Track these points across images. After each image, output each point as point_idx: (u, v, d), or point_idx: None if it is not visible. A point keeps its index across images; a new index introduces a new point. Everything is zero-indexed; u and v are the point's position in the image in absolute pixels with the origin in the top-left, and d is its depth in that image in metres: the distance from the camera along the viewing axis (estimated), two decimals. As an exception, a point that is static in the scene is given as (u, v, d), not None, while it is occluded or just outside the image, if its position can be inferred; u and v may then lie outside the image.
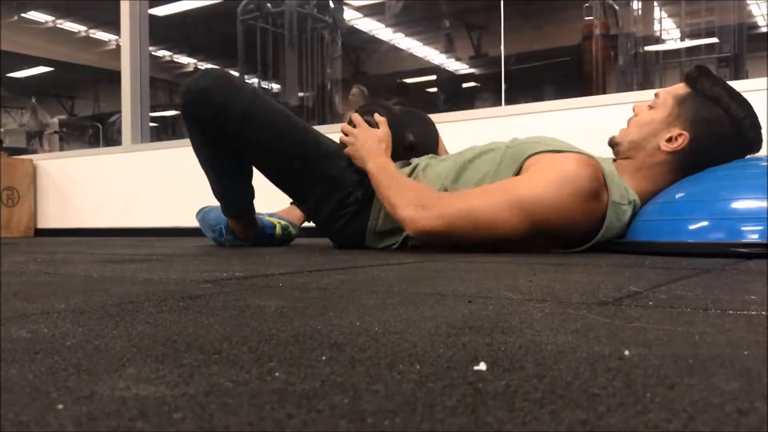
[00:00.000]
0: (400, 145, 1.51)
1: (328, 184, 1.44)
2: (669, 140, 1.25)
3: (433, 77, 7.39)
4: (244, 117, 1.38)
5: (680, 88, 1.29)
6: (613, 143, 1.33)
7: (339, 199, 1.44)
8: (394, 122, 1.49)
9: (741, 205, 1.13)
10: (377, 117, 1.47)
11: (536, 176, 1.19)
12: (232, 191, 1.56)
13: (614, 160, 1.32)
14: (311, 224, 2.00)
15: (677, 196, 1.22)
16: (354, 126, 1.46)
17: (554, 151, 1.24)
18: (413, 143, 1.56)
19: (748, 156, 1.27)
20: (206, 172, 1.54)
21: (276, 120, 1.43)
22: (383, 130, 1.44)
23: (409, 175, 1.42)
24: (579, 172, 1.16)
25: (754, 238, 1.08)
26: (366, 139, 1.41)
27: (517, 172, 1.25)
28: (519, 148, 1.29)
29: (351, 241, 1.49)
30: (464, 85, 7.25)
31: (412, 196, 1.25)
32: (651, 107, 1.30)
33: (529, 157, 1.25)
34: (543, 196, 1.16)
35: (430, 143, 1.61)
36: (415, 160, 1.49)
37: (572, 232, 1.21)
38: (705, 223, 1.14)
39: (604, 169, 1.21)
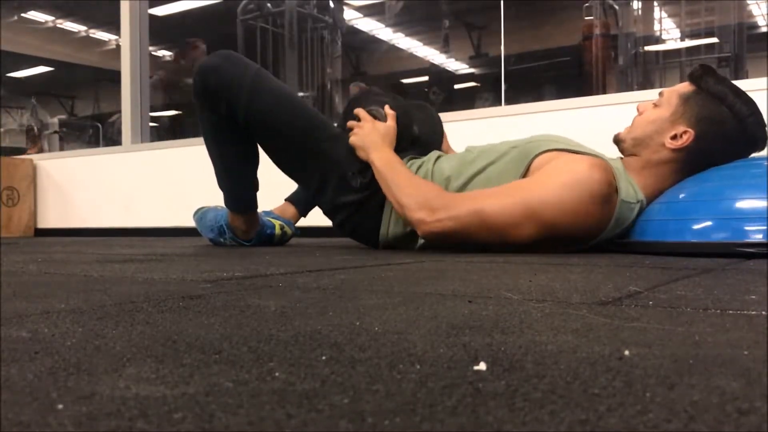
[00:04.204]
0: (405, 135, 1.48)
1: (331, 166, 1.45)
2: (674, 138, 1.25)
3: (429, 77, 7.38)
4: (252, 90, 1.41)
5: (685, 86, 1.29)
6: (617, 140, 1.34)
7: (340, 182, 1.44)
8: (400, 112, 1.48)
9: (745, 204, 1.13)
10: (387, 110, 1.46)
11: (548, 179, 1.19)
12: (239, 180, 1.56)
13: (621, 158, 1.33)
14: (308, 224, 2.00)
15: (681, 196, 1.22)
16: (359, 121, 1.46)
17: (566, 150, 1.24)
18: (418, 137, 1.53)
19: (752, 154, 1.28)
20: (213, 159, 1.55)
21: (282, 95, 1.46)
22: (389, 124, 1.44)
23: (416, 171, 1.41)
24: (592, 176, 1.16)
25: (758, 237, 1.08)
26: (370, 132, 1.41)
27: (526, 170, 1.25)
28: (528, 146, 1.29)
29: (365, 240, 1.50)
30: (464, 85, 7.24)
31: (421, 197, 1.24)
32: (656, 105, 1.31)
33: (538, 155, 1.25)
34: (555, 200, 1.16)
35: (434, 139, 1.59)
36: (421, 159, 1.47)
37: (580, 234, 1.21)
38: (709, 223, 1.14)
39: (615, 170, 1.21)
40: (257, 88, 1.42)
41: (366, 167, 1.41)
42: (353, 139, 1.42)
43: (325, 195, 1.47)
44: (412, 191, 1.27)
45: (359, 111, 1.47)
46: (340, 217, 1.48)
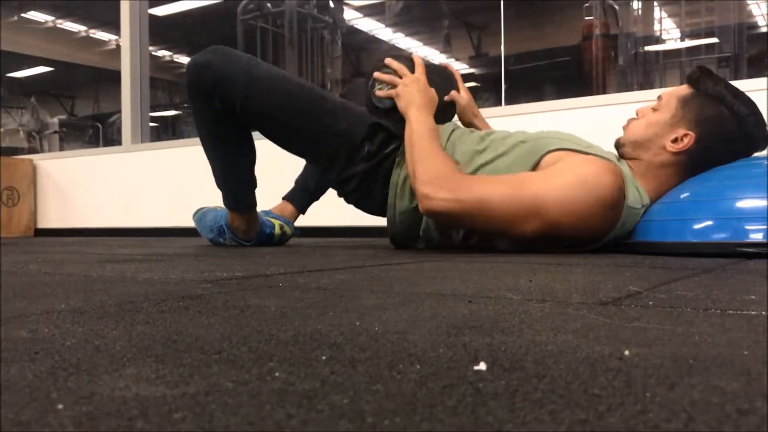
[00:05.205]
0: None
1: (337, 138, 1.44)
2: (675, 141, 1.25)
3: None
4: (247, 80, 1.40)
5: (683, 89, 1.29)
6: (618, 144, 1.33)
7: (348, 153, 1.44)
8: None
9: (745, 204, 1.13)
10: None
11: (558, 178, 1.17)
12: (238, 178, 1.56)
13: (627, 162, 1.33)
14: (308, 224, 2.00)
15: (682, 196, 1.22)
16: (408, 68, 1.42)
17: (576, 151, 1.23)
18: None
19: (754, 154, 1.28)
20: (210, 159, 1.54)
21: (279, 80, 1.45)
22: (435, 96, 1.41)
23: (448, 138, 1.40)
24: (603, 179, 1.16)
25: (758, 237, 1.08)
26: (420, 90, 1.38)
27: (534, 167, 1.24)
28: (538, 142, 1.29)
29: (372, 210, 1.51)
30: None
31: (434, 172, 1.22)
32: (654, 109, 1.30)
33: (547, 153, 1.24)
34: (562, 199, 1.15)
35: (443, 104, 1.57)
36: (451, 125, 1.46)
37: (584, 236, 1.21)
38: (710, 223, 1.14)
39: (624, 174, 1.21)
40: (251, 76, 1.41)
41: (374, 134, 1.41)
42: (399, 89, 1.39)
43: (335, 169, 1.47)
44: (430, 164, 1.24)
45: (418, 58, 1.44)
46: (349, 188, 1.48)
